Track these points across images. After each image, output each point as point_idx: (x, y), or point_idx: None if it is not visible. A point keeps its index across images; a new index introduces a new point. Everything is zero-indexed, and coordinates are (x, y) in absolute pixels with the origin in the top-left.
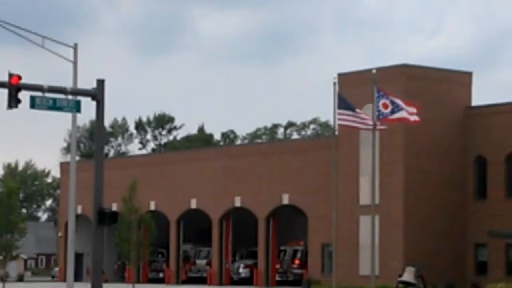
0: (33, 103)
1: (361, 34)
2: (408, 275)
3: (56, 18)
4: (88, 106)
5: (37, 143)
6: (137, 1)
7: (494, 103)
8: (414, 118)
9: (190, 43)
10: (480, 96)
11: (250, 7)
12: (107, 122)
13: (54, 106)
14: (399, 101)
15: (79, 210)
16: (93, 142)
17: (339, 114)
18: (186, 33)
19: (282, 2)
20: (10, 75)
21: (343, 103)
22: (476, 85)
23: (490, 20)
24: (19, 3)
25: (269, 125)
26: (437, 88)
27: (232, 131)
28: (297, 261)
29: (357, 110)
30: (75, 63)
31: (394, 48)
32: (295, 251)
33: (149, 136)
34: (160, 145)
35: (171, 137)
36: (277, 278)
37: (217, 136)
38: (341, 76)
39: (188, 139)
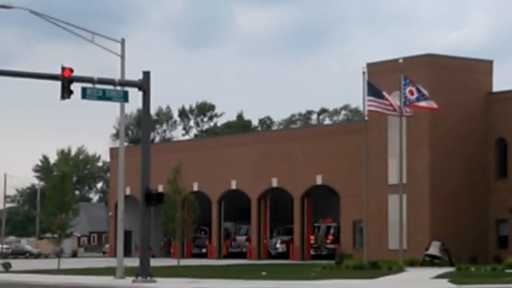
0: (84, 94)
1: (389, 27)
2: (434, 249)
3: (104, 15)
4: (135, 96)
5: (88, 130)
6: None
7: None
8: (434, 105)
9: (230, 37)
10: (501, 83)
11: (286, 3)
12: (152, 110)
13: (104, 96)
14: (424, 90)
15: (128, 192)
16: (140, 129)
17: (368, 100)
18: (226, 28)
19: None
20: (63, 69)
21: (372, 90)
22: (497, 73)
23: (510, 12)
24: (70, 2)
25: (303, 111)
26: (460, 75)
27: (268, 118)
28: (330, 237)
29: (385, 94)
30: (122, 56)
31: (420, 39)
32: (328, 228)
33: (191, 123)
34: (202, 131)
35: (212, 124)
36: (312, 252)
37: (255, 122)
38: (370, 65)
39: (228, 125)
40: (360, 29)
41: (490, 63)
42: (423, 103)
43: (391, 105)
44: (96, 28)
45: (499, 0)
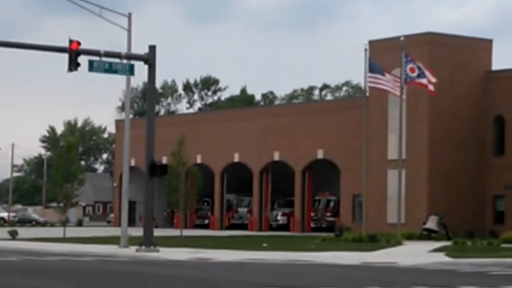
0: (91, 67)
1: (392, 4)
2: (432, 223)
3: None
4: (141, 69)
5: (95, 102)
6: None
7: None
8: (431, 88)
9: (236, 12)
10: (500, 62)
11: None
12: (158, 84)
13: (110, 69)
14: (425, 70)
15: (133, 163)
16: (145, 102)
17: (369, 77)
18: (232, 3)
19: None
20: (71, 41)
21: (373, 67)
22: (497, 52)
23: None
24: None
25: (305, 87)
26: (460, 54)
27: (271, 92)
28: (330, 210)
29: (386, 74)
30: (129, 30)
31: (423, 17)
32: (328, 201)
33: (196, 97)
34: (206, 104)
35: (216, 98)
36: (312, 225)
37: (258, 97)
38: (372, 42)
39: (231, 99)
40: (365, 6)
41: (490, 42)
42: (423, 80)
43: (391, 82)
44: (104, 2)
45: None
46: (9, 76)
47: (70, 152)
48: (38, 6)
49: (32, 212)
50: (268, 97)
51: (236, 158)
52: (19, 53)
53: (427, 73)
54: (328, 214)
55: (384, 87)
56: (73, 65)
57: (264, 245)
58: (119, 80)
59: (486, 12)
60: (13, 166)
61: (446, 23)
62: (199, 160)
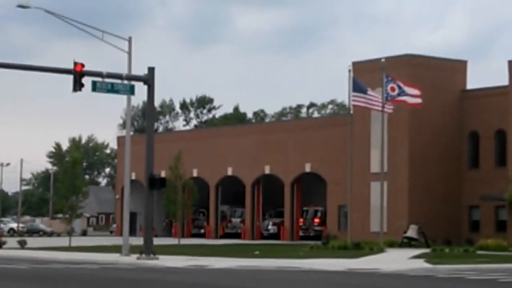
0: (94, 87)
1: (373, 29)
2: (412, 232)
3: (114, 15)
4: (141, 89)
5: (98, 120)
6: (185, 0)
7: (486, 87)
8: (415, 101)
9: (229, 36)
10: (475, 81)
11: (280, 6)
12: (156, 103)
13: (112, 89)
14: (404, 86)
15: (133, 176)
16: (145, 120)
17: (353, 96)
18: (226, 28)
19: (307, 2)
20: (75, 64)
21: (357, 86)
22: (471, 72)
23: (485, 16)
24: (84, 2)
25: (294, 105)
26: (437, 74)
27: (262, 110)
28: (317, 220)
29: (369, 91)
30: (129, 53)
31: (401, 40)
32: (316, 211)
33: (192, 115)
34: (201, 122)
35: (210, 116)
36: (300, 233)
37: (250, 115)
38: (355, 64)
39: (225, 117)
40: (348, 31)
41: (464, 63)
42: (403, 97)
43: (373, 100)
44: (108, 27)
45: (475, 6)
46: (18, 95)
47: (75, 167)
48: (45, 31)
49: (40, 223)
50: (259, 115)
51: (230, 172)
52: (28, 75)
53: (408, 90)
54: (315, 223)
55: (367, 105)
56: (78, 85)
57: (256, 252)
58: (121, 100)
59: (461, 35)
60: (21, 180)
61: (425, 45)
62: (195, 174)
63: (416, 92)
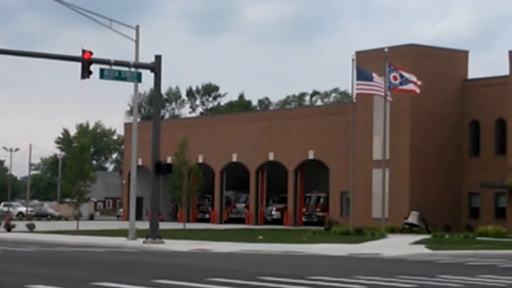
0: (102, 74)
1: (380, 19)
2: (413, 218)
3: (124, 4)
4: (148, 77)
5: (105, 107)
6: None
7: (487, 77)
8: (416, 89)
9: (236, 26)
10: (477, 71)
11: None
12: (163, 90)
13: (119, 77)
14: (406, 75)
15: (140, 162)
16: (152, 107)
17: (357, 84)
18: (234, 18)
19: None
20: (83, 51)
21: (361, 74)
22: (474, 62)
23: (487, 9)
24: None
25: (297, 93)
26: (438, 63)
27: (267, 98)
28: (319, 206)
29: (375, 77)
30: (137, 41)
31: (406, 31)
32: (318, 198)
33: (198, 102)
34: (207, 109)
35: (216, 103)
36: (303, 219)
37: (254, 102)
38: (358, 53)
39: (230, 104)
40: (353, 22)
41: (466, 53)
42: (405, 86)
43: (377, 86)
44: (118, 15)
45: None
46: (28, 82)
47: (83, 152)
48: (54, 20)
49: (48, 207)
50: (264, 103)
51: (235, 158)
52: (38, 62)
53: (410, 77)
54: (318, 209)
55: (371, 92)
56: (86, 73)
57: (260, 237)
58: (128, 87)
59: (463, 26)
60: (30, 165)
61: (429, 36)
62: (200, 160)
63: (415, 79)
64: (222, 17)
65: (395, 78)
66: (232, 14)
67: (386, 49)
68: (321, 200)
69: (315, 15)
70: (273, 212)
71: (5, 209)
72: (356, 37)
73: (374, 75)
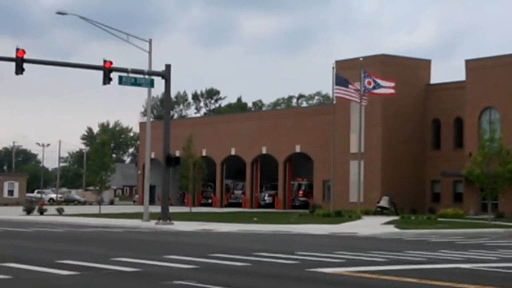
0: (121, 81)
1: (358, 32)
2: (384, 202)
3: (142, 19)
4: (159, 82)
5: (123, 108)
6: (201, 7)
7: (447, 82)
8: (389, 91)
9: (236, 38)
10: (437, 77)
11: (279, 13)
12: (172, 94)
13: (135, 83)
14: (379, 80)
15: (153, 155)
16: (163, 108)
17: (336, 89)
18: (234, 32)
19: (302, 9)
20: (105, 61)
21: (339, 80)
22: (436, 69)
23: (449, 23)
24: (115, 8)
25: (286, 96)
26: (406, 70)
27: (260, 101)
28: (301, 192)
29: (350, 84)
30: (150, 52)
31: (381, 41)
32: (300, 185)
33: (202, 104)
34: (209, 110)
35: (217, 105)
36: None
37: (250, 104)
38: (338, 62)
39: (229, 106)
40: (336, 34)
41: (429, 61)
42: (377, 90)
43: (353, 92)
44: (136, 29)
45: (441, 13)
46: (58, 87)
47: (104, 147)
48: (82, 34)
49: (75, 194)
50: (258, 104)
51: (233, 152)
52: (67, 70)
53: (382, 83)
54: (300, 195)
55: (347, 97)
56: (107, 79)
57: (255, 219)
58: (142, 91)
59: (429, 38)
60: (60, 158)
61: (400, 46)
62: (204, 153)
63: (390, 84)
64: (224, 31)
65: (369, 83)
66: (232, 29)
67: (361, 59)
68: (302, 187)
69: (303, 29)
70: (266, 198)
71: (39, 195)
72: (337, 48)
73: (350, 81)
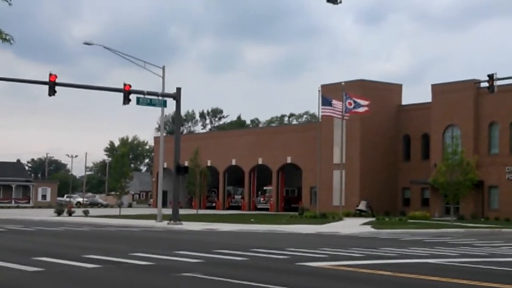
0: (138, 101)
1: (342, 60)
2: (362, 206)
3: (157, 49)
4: (171, 103)
5: (140, 125)
6: (210, 39)
7: (415, 103)
8: (365, 109)
9: (239, 66)
10: (409, 99)
11: (276, 45)
12: (182, 113)
13: (151, 103)
14: (358, 100)
15: (165, 165)
16: (174, 125)
17: (322, 109)
18: (237, 60)
19: (294, 41)
20: (124, 85)
21: (325, 101)
22: (407, 92)
23: (419, 53)
24: (135, 39)
25: (279, 115)
26: (381, 93)
27: (257, 118)
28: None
29: (334, 102)
30: (163, 77)
31: (362, 68)
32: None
33: (207, 121)
34: (214, 126)
35: (221, 122)
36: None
37: (248, 122)
38: (323, 86)
39: (230, 123)
40: (323, 63)
41: (400, 86)
42: (357, 110)
43: (337, 110)
44: (152, 58)
45: (413, 45)
46: (85, 107)
47: (123, 158)
48: (106, 62)
49: (99, 198)
50: (255, 122)
51: (234, 162)
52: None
53: (361, 102)
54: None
55: (332, 114)
56: (126, 100)
57: (252, 220)
58: (157, 110)
59: (402, 66)
60: (86, 167)
61: (377, 72)
62: (209, 163)
63: (366, 102)
64: (229, 59)
65: (350, 104)
66: (236, 57)
67: (343, 83)
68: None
69: (295, 58)
70: (261, 202)
71: (68, 199)
72: (324, 74)
73: (334, 100)
